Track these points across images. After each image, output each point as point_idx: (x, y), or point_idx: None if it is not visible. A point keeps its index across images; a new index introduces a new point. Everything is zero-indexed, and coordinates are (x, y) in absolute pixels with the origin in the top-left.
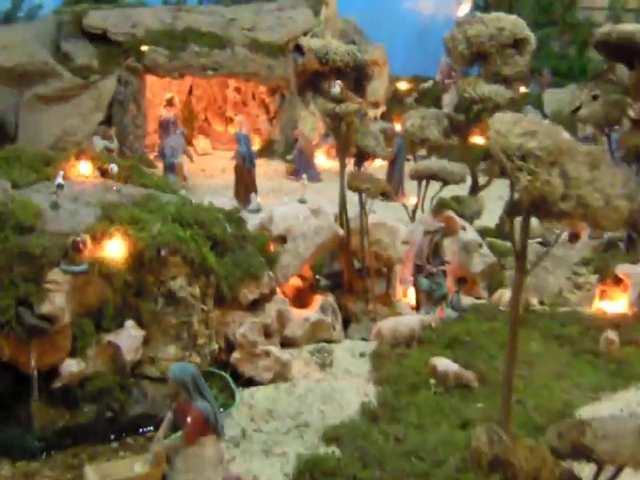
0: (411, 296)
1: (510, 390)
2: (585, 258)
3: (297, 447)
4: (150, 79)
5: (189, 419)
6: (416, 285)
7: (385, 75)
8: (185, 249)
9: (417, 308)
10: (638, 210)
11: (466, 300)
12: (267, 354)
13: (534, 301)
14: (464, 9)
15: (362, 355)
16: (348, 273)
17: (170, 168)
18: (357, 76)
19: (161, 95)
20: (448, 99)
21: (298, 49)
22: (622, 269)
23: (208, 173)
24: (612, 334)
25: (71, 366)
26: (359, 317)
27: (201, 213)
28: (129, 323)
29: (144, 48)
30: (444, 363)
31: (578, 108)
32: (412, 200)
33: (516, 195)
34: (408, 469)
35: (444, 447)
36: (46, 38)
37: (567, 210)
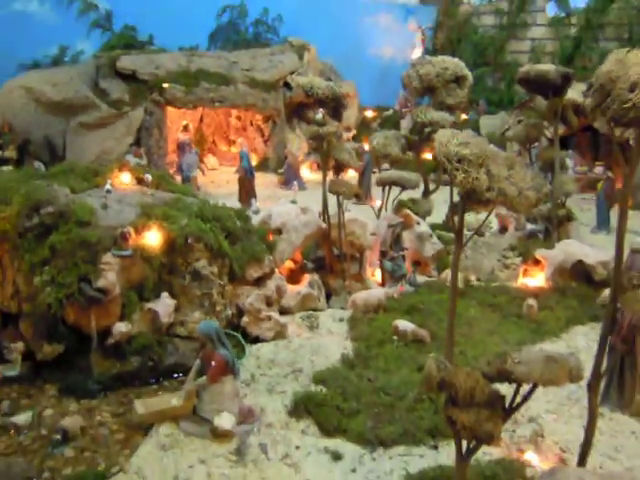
0: (378, 275)
1: (452, 337)
2: (512, 245)
3: (293, 387)
4: (169, 110)
5: (213, 363)
6: (382, 266)
7: (355, 105)
8: (206, 238)
9: (382, 284)
10: (552, 208)
11: (420, 278)
12: (269, 318)
13: (472, 278)
14: (417, 53)
15: (341, 320)
16: (329, 257)
17: (187, 180)
18: (335, 105)
19: (178, 122)
20: (405, 124)
21: (286, 85)
22: (540, 253)
23: (216, 184)
24: (532, 301)
25: (121, 327)
26: (338, 291)
27: (217, 211)
28: (164, 294)
29: (165, 85)
30: (404, 324)
31: (507, 130)
32: (377, 203)
33: (455, 193)
34: (378, 401)
35: (405, 385)
36: (87, 77)
37: (491, 198)
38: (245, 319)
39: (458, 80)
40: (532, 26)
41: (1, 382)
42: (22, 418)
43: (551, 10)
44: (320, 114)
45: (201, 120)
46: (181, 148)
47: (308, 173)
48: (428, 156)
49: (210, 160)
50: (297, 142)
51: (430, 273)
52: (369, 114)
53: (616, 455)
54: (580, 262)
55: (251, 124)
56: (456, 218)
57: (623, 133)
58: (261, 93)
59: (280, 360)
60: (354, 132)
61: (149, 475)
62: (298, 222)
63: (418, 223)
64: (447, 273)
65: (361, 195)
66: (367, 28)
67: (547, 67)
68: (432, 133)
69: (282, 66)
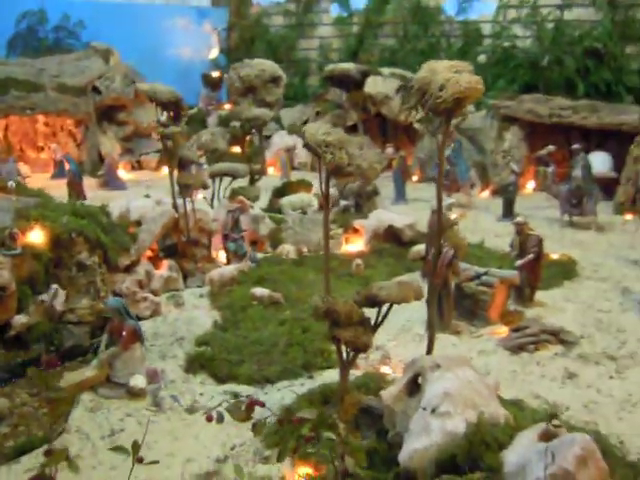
0: (222, 256)
1: (329, 279)
2: (332, 219)
3: (181, 351)
4: None
5: (124, 332)
6: (225, 248)
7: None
8: (86, 232)
9: (228, 263)
10: (362, 185)
11: (260, 254)
12: (145, 299)
13: (304, 249)
14: (214, 53)
15: (201, 295)
16: (181, 244)
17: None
18: (176, 108)
19: None
20: (211, 121)
21: (95, 89)
22: (357, 223)
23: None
24: (359, 261)
25: (20, 319)
26: (193, 273)
27: (87, 208)
28: (54, 286)
29: None
30: (260, 290)
31: (306, 121)
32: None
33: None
34: (256, 351)
35: (274, 337)
36: None
37: (351, 171)
38: (124, 301)
39: (275, 80)
40: (319, 25)
41: None
42: None
43: (335, 11)
44: (164, 116)
45: (6, 129)
46: None
47: (124, 173)
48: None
49: (22, 168)
50: (109, 144)
51: (266, 249)
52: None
53: None
54: (391, 227)
55: (62, 129)
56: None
57: (407, 118)
58: (72, 98)
59: (162, 332)
60: None
61: (89, 431)
62: (155, 213)
63: (252, 207)
64: (282, 247)
65: (207, 185)
66: (164, 31)
67: (349, 66)
68: (253, 127)
69: (90, 71)
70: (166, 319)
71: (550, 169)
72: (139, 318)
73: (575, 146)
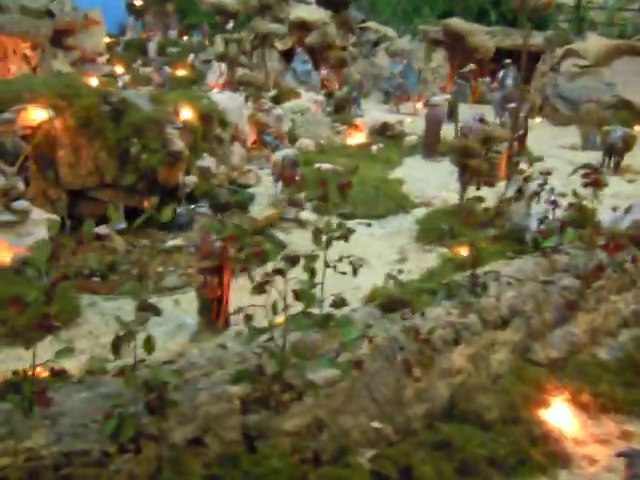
0: None
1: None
2: (333, 118)
3: None
4: None
5: (297, 178)
6: (262, 140)
7: (103, 32)
8: (218, 112)
9: None
10: (349, 93)
11: None
12: (250, 170)
13: (322, 142)
14: None
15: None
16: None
17: None
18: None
19: None
20: (151, 47)
21: (49, 13)
22: (356, 121)
23: None
24: (381, 145)
25: (192, 179)
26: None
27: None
28: (205, 155)
29: None
30: (324, 165)
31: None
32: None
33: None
34: (355, 202)
35: (360, 194)
36: None
37: None
38: (236, 173)
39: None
40: None
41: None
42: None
43: None
44: (230, 24)
45: None
46: None
47: None
48: None
49: None
50: (63, 69)
51: (286, 144)
52: (107, 40)
53: None
54: (385, 123)
55: (14, 52)
56: None
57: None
58: (33, 20)
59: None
60: (107, 56)
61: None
62: (235, 105)
63: (274, 108)
64: (302, 141)
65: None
66: None
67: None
68: (266, 39)
69: None
70: (267, 186)
71: (487, 80)
72: (245, 186)
73: (506, 61)
